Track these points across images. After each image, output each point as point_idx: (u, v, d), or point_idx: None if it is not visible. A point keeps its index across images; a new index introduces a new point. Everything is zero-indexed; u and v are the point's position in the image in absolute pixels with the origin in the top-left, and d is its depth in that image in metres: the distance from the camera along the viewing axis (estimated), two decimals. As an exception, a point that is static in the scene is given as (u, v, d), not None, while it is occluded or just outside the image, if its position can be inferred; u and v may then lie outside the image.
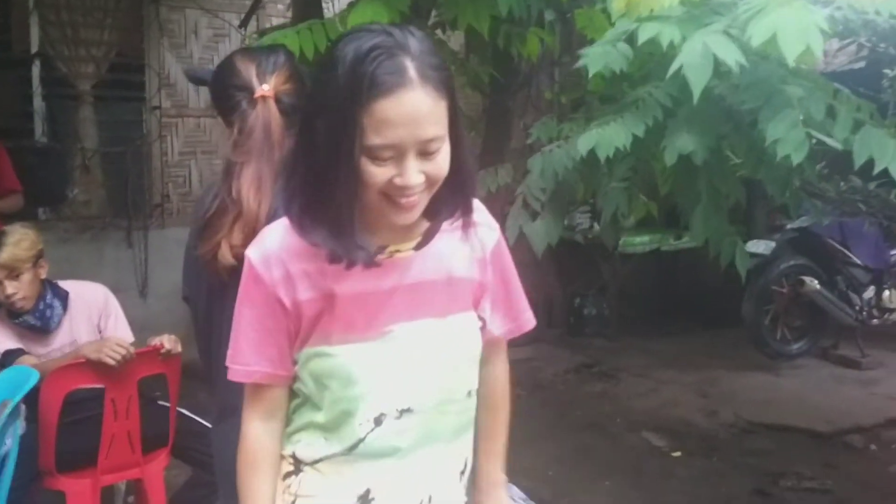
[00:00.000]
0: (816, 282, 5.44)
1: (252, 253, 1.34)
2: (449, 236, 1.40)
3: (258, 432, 1.38)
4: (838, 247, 5.55)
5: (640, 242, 6.32)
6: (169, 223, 5.59)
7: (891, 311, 5.80)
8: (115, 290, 3.24)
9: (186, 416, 3.10)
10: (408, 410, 1.34)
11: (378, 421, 1.32)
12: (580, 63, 2.43)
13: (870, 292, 5.67)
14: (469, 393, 1.42)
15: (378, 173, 1.22)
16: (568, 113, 3.06)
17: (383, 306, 1.33)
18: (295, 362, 1.36)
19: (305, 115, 1.30)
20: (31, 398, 2.65)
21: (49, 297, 3.00)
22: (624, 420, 4.91)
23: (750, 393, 5.29)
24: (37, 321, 2.97)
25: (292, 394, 1.39)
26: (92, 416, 2.82)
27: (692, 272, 6.97)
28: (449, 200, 1.34)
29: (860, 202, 3.89)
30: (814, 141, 2.07)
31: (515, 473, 1.74)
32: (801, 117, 2.08)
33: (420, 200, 1.26)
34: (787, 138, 2.01)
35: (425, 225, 1.37)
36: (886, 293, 5.74)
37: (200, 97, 5.63)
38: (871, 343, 5.79)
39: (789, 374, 5.64)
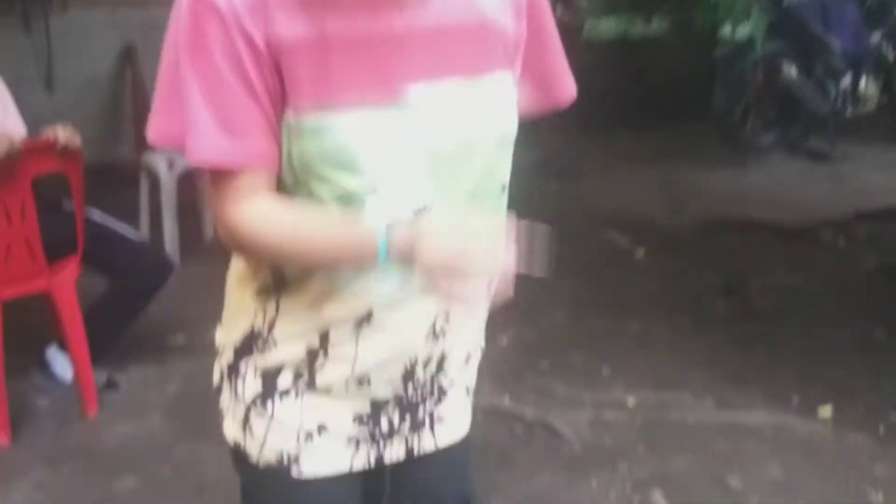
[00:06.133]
0: (794, 68, 5.08)
1: None
2: None
3: (261, 206, 0.96)
4: (818, 30, 5.14)
5: (606, 29, 5.84)
6: (73, 4, 4.87)
7: (865, 100, 5.53)
8: (15, 82, 2.81)
9: (98, 221, 2.74)
10: (425, 211, 0.98)
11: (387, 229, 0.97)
12: None
13: (847, 80, 5.35)
14: (503, 187, 1.10)
15: None
16: None
17: (394, 57, 0.95)
18: None
19: None
20: None
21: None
22: (585, 218, 4.67)
23: (717, 188, 5.09)
24: None
25: None
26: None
27: (659, 63, 6.56)
28: None
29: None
30: None
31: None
32: None
33: None
34: None
35: None
36: (863, 81, 5.44)
37: None
38: (841, 136, 5.59)
39: (757, 169, 5.44)
